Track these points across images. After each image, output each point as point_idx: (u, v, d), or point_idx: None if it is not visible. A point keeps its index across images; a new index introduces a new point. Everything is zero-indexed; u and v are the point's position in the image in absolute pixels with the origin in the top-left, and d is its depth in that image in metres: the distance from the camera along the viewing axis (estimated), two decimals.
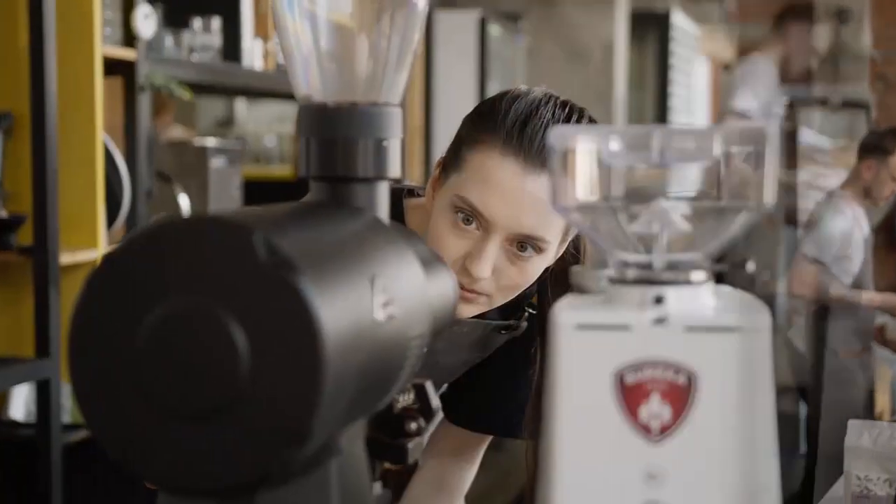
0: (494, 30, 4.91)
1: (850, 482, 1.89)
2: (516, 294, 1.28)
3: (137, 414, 0.63)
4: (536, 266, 1.26)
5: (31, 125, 2.41)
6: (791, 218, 4.52)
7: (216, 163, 3.07)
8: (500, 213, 1.21)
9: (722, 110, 4.40)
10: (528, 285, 1.28)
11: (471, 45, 4.80)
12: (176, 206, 2.86)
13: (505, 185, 1.21)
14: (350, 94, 0.85)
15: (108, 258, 0.64)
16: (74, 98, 2.51)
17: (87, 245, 2.54)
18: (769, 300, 4.34)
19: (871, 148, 4.21)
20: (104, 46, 2.58)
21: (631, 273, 0.72)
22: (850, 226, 4.20)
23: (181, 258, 0.64)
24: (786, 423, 4.78)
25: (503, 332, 1.41)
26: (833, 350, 4.32)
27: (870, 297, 4.34)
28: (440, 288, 0.89)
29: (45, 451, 2.38)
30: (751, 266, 0.82)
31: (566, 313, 0.70)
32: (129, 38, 2.69)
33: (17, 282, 2.50)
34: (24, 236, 2.43)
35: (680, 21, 7.50)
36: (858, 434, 1.94)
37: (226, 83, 3.21)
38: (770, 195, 0.71)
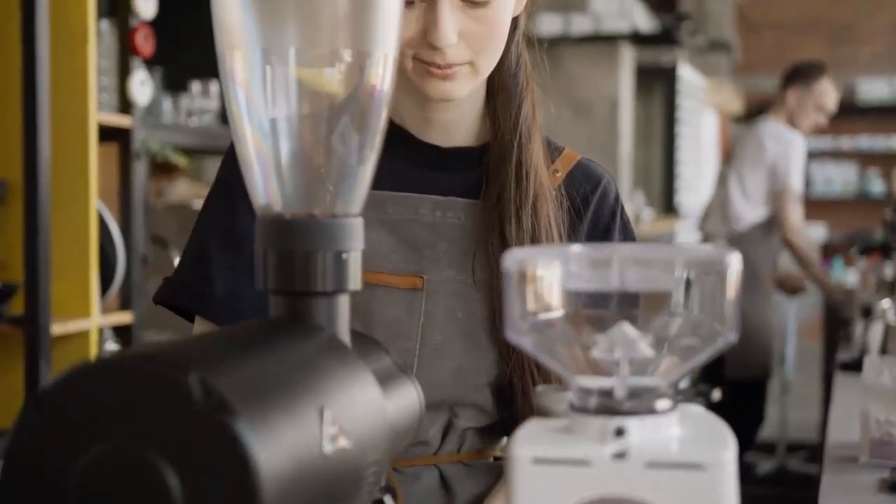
0: None
1: (868, 425, 1.73)
2: (499, 51, 1.19)
3: None
4: (501, 10, 1.16)
5: (24, 193, 2.39)
6: None
7: None
8: None
9: (775, 186, 4.38)
10: (503, 35, 1.18)
11: None
12: (172, 271, 2.84)
13: None
14: (309, 205, 0.82)
15: (39, 398, 0.61)
16: (69, 166, 2.50)
17: (80, 315, 2.52)
18: None
19: (796, 76, 4.40)
20: (100, 113, 2.57)
21: (592, 401, 0.69)
22: (803, 157, 4.41)
23: (115, 399, 0.61)
24: None
25: None
26: (754, 272, 4.36)
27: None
28: (402, 402, 0.86)
29: None
30: (716, 394, 0.79)
31: (523, 447, 0.67)
32: (126, 105, 2.68)
33: (7, 352, 2.47)
34: (16, 306, 2.41)
35: (687, 74, 7.50)
36: (877, 371, 1.77)
37: (224, 147, 3.20)
38: (733, 325, 0.68)
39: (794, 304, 5.84)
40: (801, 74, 4.45)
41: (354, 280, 0.82)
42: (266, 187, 0.82)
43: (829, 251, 10.04)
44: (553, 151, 1.29)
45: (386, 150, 1.23)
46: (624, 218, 1.30)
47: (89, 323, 2.53)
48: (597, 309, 0.71)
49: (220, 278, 1.23)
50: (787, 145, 4.40)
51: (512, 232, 1.19)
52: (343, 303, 0.82)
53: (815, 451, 5.05)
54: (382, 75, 0.83)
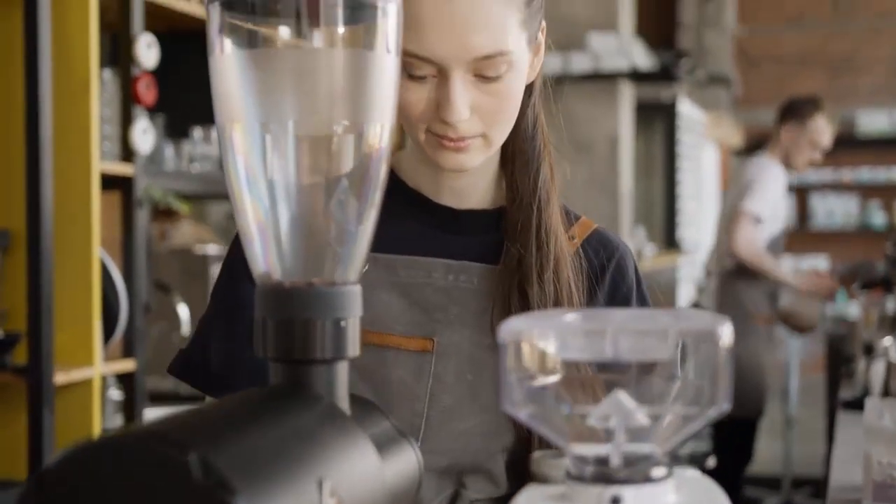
0: None
1: (870, 468, 1.72)
2: (512, 122, 1.18)
3: None
4: (514, 82, 1.15)
5: (26, 243, 2.41)
6: None
7: (217, 270, 3.06)
8: (442, 48, 1.10)
9: (731, 209, 4.43)
10: (516, 106, 1.17)
11: None
12: (175, 317, 2.85)
13: (433, 17, 1.10)
14: (308, 274, 0.83)
15: (41, 476, 0.62)
16: (71, 215, 2.51)
17: (83, 363, 2.52)
18: None
19: (790, 113, 4.42)
20: (102, 162, 2.59)
21: (588, 469, 0.70)
22: (782, 187, 4.40)
23: (116, 477, 0.62)
24: None
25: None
26: (745, 312, 4.35)
27: (804, 283, 4.58)
28: (400, 467, 0.87)
29: None
30: (710, 462, 0.80)
31: None
32: (128, 153, 2.70)
33: (10, 402, 2.48)
34: (19, 355, 2.42)
35: (686, 109, 7.54)
36: (878, 413, 1.76)
37: (226, 192, 3.22)
38: (726, 394, 0.69)
39: (794, 338, 5.84)
40: (795, 111, 4.47)
41: (353, 347, 0.83)
42: (265, 256, 0.83)
43: None
44: (570, 218, 1.29)
45: (400, 212, 1.25)
46: (642, 292, 1.29)
47: (92, 371, 2.54)
48: (592, 377, 0.72)
49: (216, 351, 1.24)
50: (759, 170, 4.42)
51: (535, 296, 1.19)
52: (342, 369, 0.83)
53: (820, 487, 5.04)
54: (379, 145, 0.84)
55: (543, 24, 1.23)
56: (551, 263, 1.21)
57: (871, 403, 1.87)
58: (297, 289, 0.81)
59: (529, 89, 1.24)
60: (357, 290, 0.83)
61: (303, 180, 0.82)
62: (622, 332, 0.70)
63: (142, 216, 2.71)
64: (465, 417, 1.20)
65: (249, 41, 0.81)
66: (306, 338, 0.80)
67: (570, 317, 0.73)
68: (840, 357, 4.79)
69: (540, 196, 1.23)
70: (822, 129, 4.45)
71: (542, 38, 1.23)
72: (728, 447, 4.40)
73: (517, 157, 1.25)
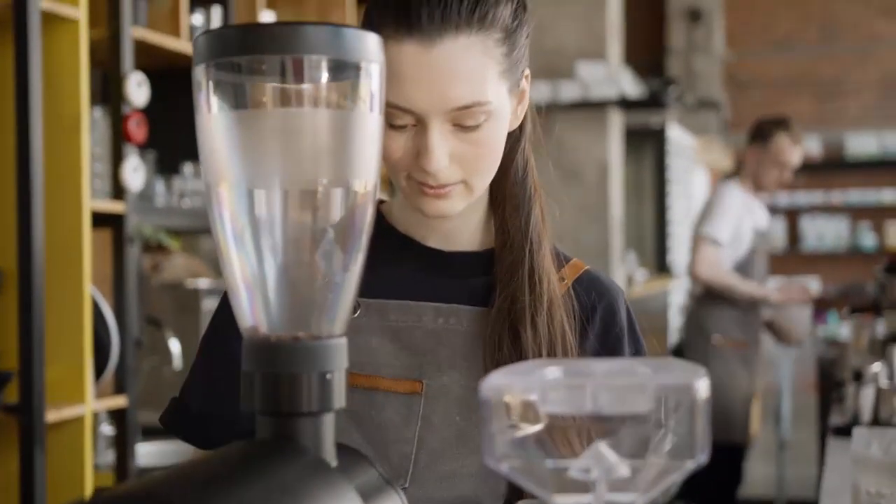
0: None
1: (858, 498, 1.72)
2: (493, 167, 1.18)
3: None
4: (494, 131, 1.16)
5: (18, 281, 2.42)
6: None
7: (209, 304, 3.08)
8: (420, 99, 1.12)
9: (694, 233, 4.45)
10: (497, 153, 1.18)
11: None
12: (167, 352, 2.86)
13: (412, 69, 1.11)
14: (294, 328, 0.85)
15: None
16: (63, 253, 2.52)
17: (75, 401, 2.53)
18: None
19: (754, 136, 4.42)
20: (93, 200, 2.60)
21: None
22: (742, 211, 4.36)
23: None
24: None
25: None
26: (711, 336, 4.33)
27: (776, 293, 4.48)
28: None
29: None
30: None
31: None
32: (119, 190, 2.72)
33: (2, 441, 2.48)
34: (11, 393, 2.42)
35: (676, 134, 7.58)
36: (866, 443, 1.77)
37: None
38: (704, 445, 0.70)
39: (788, 359, 5.85)
40: (758, 132, 4.47)
41: (339, 399, 0.84)
42: (252, 310, 0.85)
43: (822, 305, 10.08)
44: (560, 259, 1.29)
45: (392, 258, 1.27)
46: (635, 334, 1.30)
47: (84, 408, 2.54)
48: (573, 429, 0.74)
49: (204, 406, 1.26)
50: (719, 194, 4.43)
51: (528, 339, 1.19)
52: (328, 421, 0.84)
53: None
54: (364, 200, 0.86)
55: (527, 71, 1.24)
56: (545, 306, 1.22)
57: (859, 433, 1.88)
58: (284, 343, 0.83)
59: (518, 134, 1.26)
60: (343, 342, 0.85)
61: (288, 236, 0.84)
62: (602, 386, 0.72)
63: (133, 253, 2.72)
64: (452, 460, 1.21)
65: (236, 102, 0.83)
66: (292, 391, 0.82)
67: (552, 371, 0.75)
68: (831, 380, 4.79)
69: (531, 238, 1.24)
70: (786, 149, 4.40)
71: (525, 84, 1.23)
72: (716, 473, 4.40)
73: (508, 200, 1.26)
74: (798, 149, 4.46)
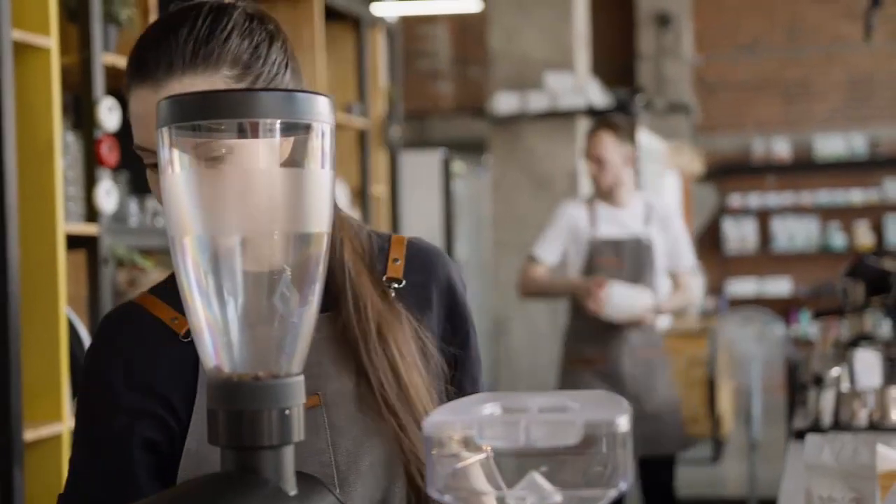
0: (458, 166, 5.03)
1: (812, 502, 1.79)
2: None
3: None
4: (247, 163, 1.18)
5: None
6: None
7: None
8: (152, 137, 1.18)
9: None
10: None
11: (435, 181, 4.91)
12: None
13: (145, 111, 1.19)
14: (255, 367, 0.92)
15: None
16: (38, 275, 2.57)
17: (51, 419, 2.58)
18: None
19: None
20: (67, 223, 2.66)
21: None
22: (567, 225, 4.15)
23: None
24: None
25: None
26: (567, 360, 4.18)
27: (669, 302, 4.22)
28: None
29: None
30: None
31: None
32: (92, 213, 2.77)
33: None
34: None
35: (646, 139, 7.67)
36: (818, 449, 1.83)
37: None
38: (625, 476, 0.78)
39: (758, 360, 5.95)
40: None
41: (298, 432, 0.91)
42: (215, 352, 0.92)
43: (793, 305, 10.22)
44: (383, 242, 1.35)
45: None
46: (459, 298, 1.36)
47: (61, 427, 2.60)
48: (508, 461, 0.81)
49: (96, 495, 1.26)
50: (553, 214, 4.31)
51: (372, 361, 1.26)
52: (288, 453, 0.91)
53: None
54: (318, 247, 0.93)
55: None
56: (373, 332, 1.27)
57: (812, 439, 1.95)
58: (245, 382, 0.90)
59: None
60: (300, 380, 0.92)
61: (248, 282, 0.91)
62: (534, 422, 0.79)
63: (107, 274, 2.78)
64: (368, 452, 1.27)
65: (196, 161, 0.90)
66: (254, 427, 0.89)
67: (489, 408, 0.82)
68: (796, 381, 4.86)
69: (348, 269, 1.29)
70: (586, 141, 4.18)
71: None
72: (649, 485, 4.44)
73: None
74: (589, 142, 4.14)
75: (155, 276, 3.79)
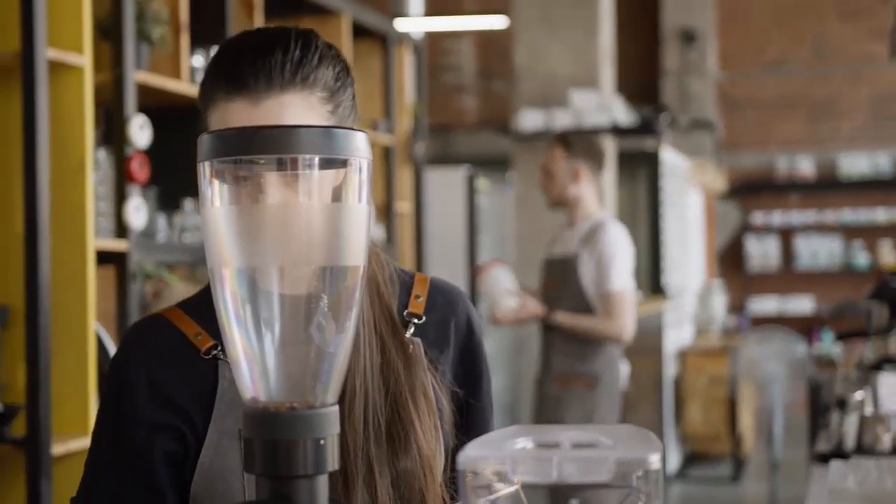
0: (483, 183, 5.04)
1: None
2: None
3: None
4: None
5: (25, 318, 2.50)
6: None
7: None
8: None
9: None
10: None
11: (460, 197, 4.93)
12: None
13: (239, 124, 1.20)
14: (291, 396, 0.94)
15: None
16: (68, 290, 2.60)
17: (80, 433, 2.61)
18: None
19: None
20: (97, 239, 2.69)
21: None
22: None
23: None
24: None
25: None
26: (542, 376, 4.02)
27: (563, 317, 3.96)
28: None
29: None
30: None
31: None
32: (122, 229, 2.80)
33: (9, 473, 2.56)
34: (18, 427, 2.50)
35: (669, 156, 7.67)
36: (843, 475, 1.84)
37: None
38: None
39: (780, 379, 5.93)
40: None
41: (332, 461, 0.93)
42: (252, 383, 0.94)
43: (815, 323, 10.17)
44: (406, 279, 1.36)
45: None
46: (476, 340, 1.38)
47: (88, 441, 2.62)
48: (540, 494, 0.82)
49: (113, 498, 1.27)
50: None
51: (369, 396, 1.26)
52: (322, 482, 0.93)
53: None
54: (354, 279, 0.94)
55: None
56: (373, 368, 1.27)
57: (836, 466, 1.95)
58: (281, 412, 0.92)
59: None
60: (334, 410, 0.94)
61: (285, 315, 0.93)
62: (567, 458, 0.80)
63: (135, 290, 2.81)
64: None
65: (236, 196, 0.92)
66: (289, 456, 0.91)
67: (521, 442, 0.83)
68: (822, 400, 4.82)
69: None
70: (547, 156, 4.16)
71: None
72: None
73: None
74: (557, 158, 4.07)
75: (179, 289, 3.83)
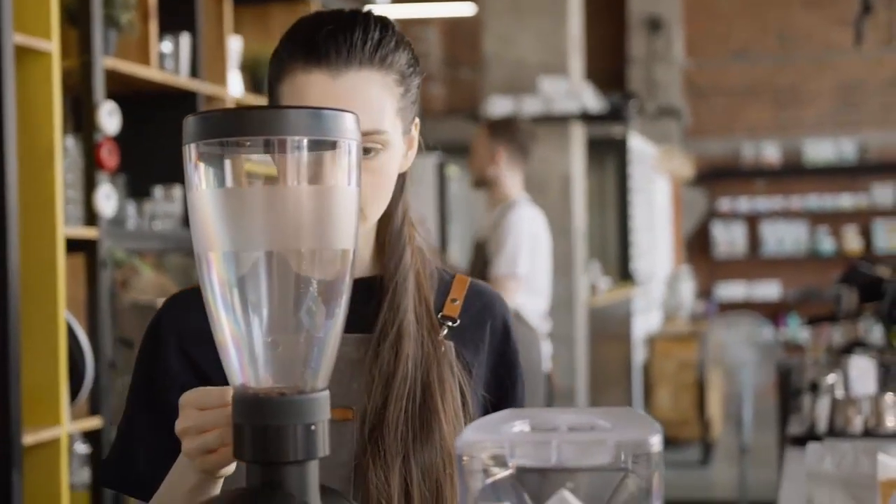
0: (452, 170, 5.02)
1: None
2: (386, 199, 1.26)
3: None
4: (388, 162, 1.24)
5: None
6: None
7: None
8: None
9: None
10: (389, 186, 1.26)
11: (430, 185, 4.91)
12: None
13: (319, 96, 1.20)
14: (281, 382, 0.92)
15: None
16: (37, 279, 2.57)
17: (51, 423, 2.58)
18: None
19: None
20: (67, 227, 2.65)
21: None
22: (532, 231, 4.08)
23: None
24: None
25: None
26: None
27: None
28: None
29: None
30: None
31: None
32: (91, 217, 2.77)
33: None
34: None
35: (637, 144, 7.69)
36: (819, 457, 1.84)
37: (187, 248, 3.30)
38: (659, 495, 0.78)
39: (748, 364, 5.96)
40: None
41: (323, 447, 0.91)
42: (241, 369, 0.92)
43: (782, 309, 10.25)
44: (446, 279, 1.36)
45: None
46: (512, 346, 1.37)
47: (59, 431, 2.60)
48: (537, 477, 0.81)
49: (144, 460, 1.26)
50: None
51: (375, 367, 1.25)
52: (313, 468, 0.92)
53: None
54: (344, 263, 0.93)
55: (418, 120, 1.32)
56: (391, 338, 1.26)
57: (813, 448, 1.95)
58: (271, 398, 0.90)
59: (402, 182, 1.32)
60: (325, 395, 0.92)
61: (273, 299, 0.91)
62: (565, 441, 0.79)
63: (105, 277, 2.78)
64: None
65: (222, 178, 0.90)
66: (279, 442, 0.89)
67: (518, 426, 0.82)
68: (791, 384, 4.84)
69: (397, 279, 1.30)
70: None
71: (415, 133, 1.31)
72: None
73: (387, 245, 1.31)
74: (480, 138, 4.15)
75: (149, 277, 3.79)
